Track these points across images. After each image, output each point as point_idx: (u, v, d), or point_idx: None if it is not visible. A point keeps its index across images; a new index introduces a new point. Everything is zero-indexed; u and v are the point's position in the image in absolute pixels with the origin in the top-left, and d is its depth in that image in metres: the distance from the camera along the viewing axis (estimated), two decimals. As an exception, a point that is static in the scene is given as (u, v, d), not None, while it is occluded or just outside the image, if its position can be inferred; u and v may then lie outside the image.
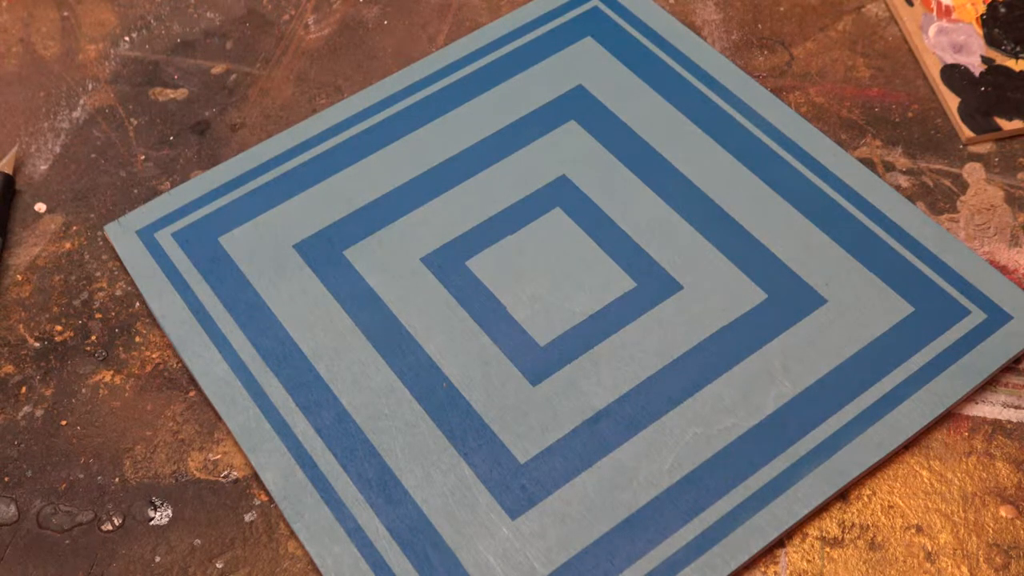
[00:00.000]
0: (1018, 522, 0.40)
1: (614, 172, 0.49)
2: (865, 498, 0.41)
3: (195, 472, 0.43)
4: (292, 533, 0.41)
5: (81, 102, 0.55)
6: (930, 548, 0.40)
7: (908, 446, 0.42)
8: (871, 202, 0.48)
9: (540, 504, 0.40)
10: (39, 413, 0.44)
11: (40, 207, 0.51)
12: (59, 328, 0.47)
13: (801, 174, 0.49)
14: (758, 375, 0.43)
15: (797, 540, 0.40)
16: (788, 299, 0.45)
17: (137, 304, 0.47)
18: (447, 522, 0.40)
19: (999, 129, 0.50)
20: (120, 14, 0.59)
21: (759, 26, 0.56)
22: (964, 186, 0.49)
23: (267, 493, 0.42)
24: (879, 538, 0.40)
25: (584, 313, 0.45)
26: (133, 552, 0.41)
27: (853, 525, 0.40)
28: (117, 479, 0.43)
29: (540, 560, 0.39)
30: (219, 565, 0.40)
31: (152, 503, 0.42)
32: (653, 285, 0.46)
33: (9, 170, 0.51)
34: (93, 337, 0.46)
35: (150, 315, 0.47)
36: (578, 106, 0.52)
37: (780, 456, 0.41)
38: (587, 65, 0.53)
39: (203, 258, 0.48)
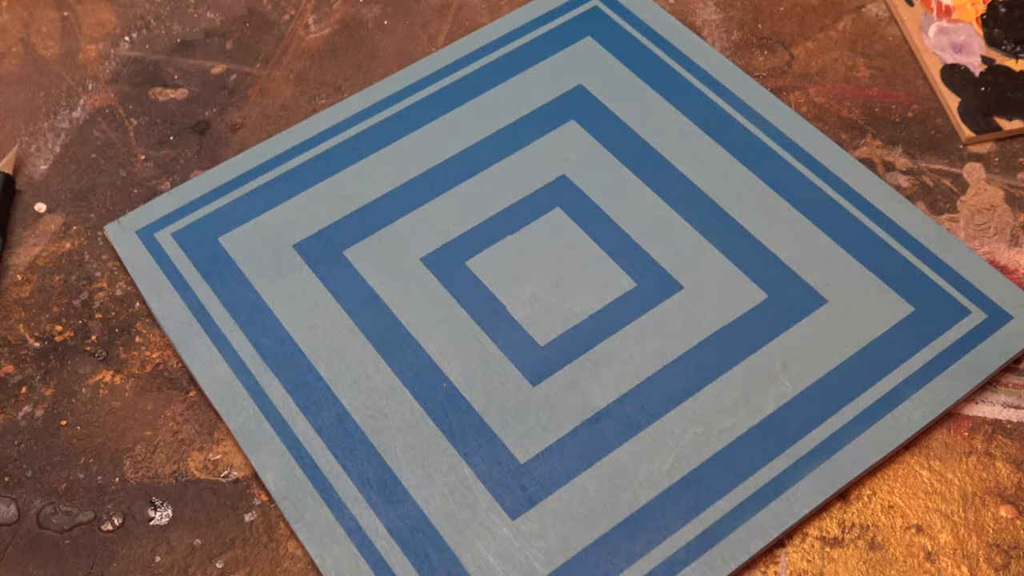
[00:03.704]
0: (1018, 522, 0.40)
1: (614, 172, 0.49)
2: (865, 498, 0.41)
3: (195, 472, 0.43)
4: (292, 533, 0.41)
5: (81, 102, 0.55)
6: (930, 548, 0.40)
7: (908, 446, 0.42)
8: (871, 202, 0.48)
9: (540, 504, 0.40)
10: (39, 413, 0.44)
11: (40, 207, 0.51)
12: (59, 328, 0.47)
13: (801, 174, 0.49)
14: (758, 375, 0.43)
15: (797, 540, 0.40)
16: (788, 299, 0.45)
17: (137, 304, 0.47)
18: (447, 522, 0.40)
19: (999, 129, 0.50)
20: (120, 14, 0.59)
21: (759, 26, 0.56)
22: (964, 186, 0.49)
23: (267, 493, 0.42)
24: (879, 538, 0.40)
25: (584, 313, 0.45)
26: (133, 552, 0.41)
27: (853, 525, 0.40)
28: (117, 479, 0.43)
29: (540, 560, 0.39)
30: (219, 565, 0.40)
31: (152, 503, 0.42)
32: (653, 285, 0.46)
33: (9, 170, 0.51)
34: (93, 337, 0.46)
35: (150, 315, 0.47)
36: (578, 106, 0.52)
37: (780, 456, 0.41)
38: (587, 65, 0.53)
39: (203, 258, 0.48)
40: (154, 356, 0.46)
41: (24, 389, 0.45)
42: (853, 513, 0.41)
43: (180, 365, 0.45)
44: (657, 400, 0.42)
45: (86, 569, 0.41)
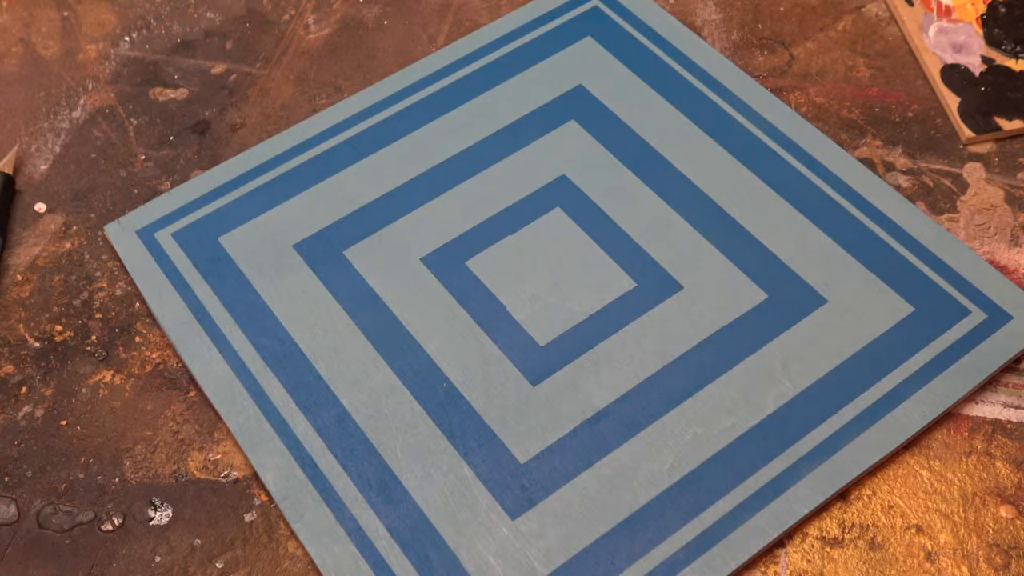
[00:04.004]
0: (1018, 522, 0.40)
1: (614, 172, 0.49)
2: (865, 498, 0.41)
3: (195, 472, 0.43)
4: (292, 533, 0.41)
5: (81, 102, 0.55)
6: (930, 548, 0.40)
7: (908, 446, 0.42)
8: (871, 202, 0.48)
9: (540, 504, 0.40)
10: (39, 413, 0.44)
11: (40, 207, 0.51)
12: (59, 328, 0.47)
13: (801, 174, 0.49)
14: (758, 375, 0.43)
15: (797, 540, 0.40)
16: (788, 299, 0.45)
17: (137, 304, 0.47)
18: (447, 522, 0.40)
19: (999, 129, 0.50)
20: (120, 14, 0.59)
21: (759, 26, 0.56)
22: (964, 186, 0.49)
23: (267, 493, 0.42)
24: (879, 538, 0.40)
25: (584, 313, 0.45)
26: (133, 552, 0.41)
27: (853, 525, 0.40)
28: (117, 479, 0.43)
29: (540, 560, 0.39)
30: (219, 565, 0.40)
31: (152, 503, 0.42)
32: (653, 285, 0.46)
33: (9, 170, 0.51)
34: (93, 337, 0.46)
35: (150, 315, 0.47)
36: (578, 106, 0.52)
37: (780, 456, 0.41)
38: (587, 65, 0.53)
39: (203, 258, 0.48)
40: (154, 356, 0.46)
41: (24, 389, 0.45)
42: (853, 513, 0.41)
43: (180, 365, 0.45)
44: (657, 400, 0.42)
45: (86, 569, 0.41)
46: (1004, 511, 0.40)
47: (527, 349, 0.44)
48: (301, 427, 0.42)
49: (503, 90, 0.53)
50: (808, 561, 0.40)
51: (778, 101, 0.51)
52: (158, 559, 0.41)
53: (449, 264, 0.47)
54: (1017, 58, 0.53)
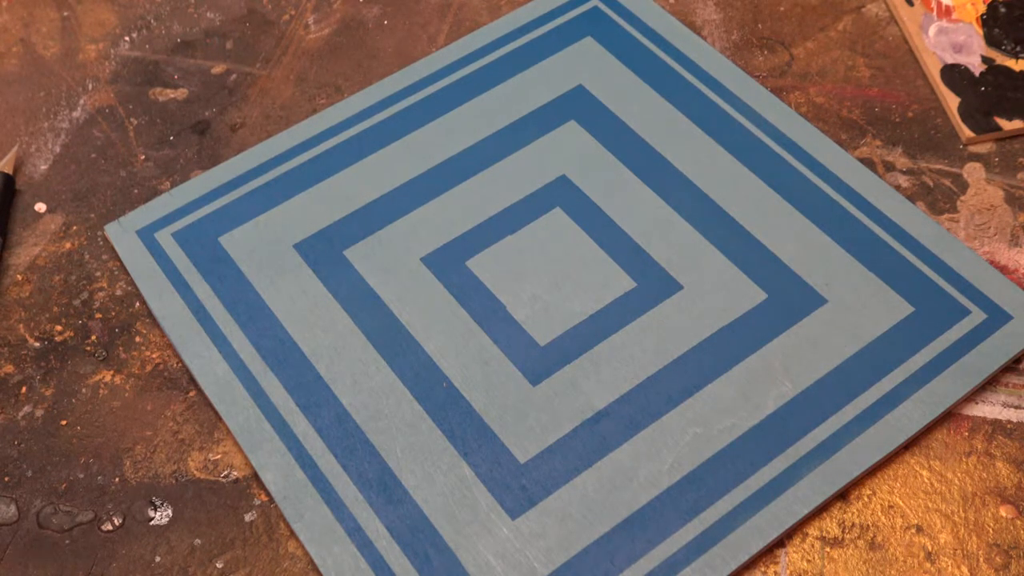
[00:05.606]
0: (1018, 522, 0.40)
1: (614, 172, 0.49)
2: (865, 498, 0.41)
3: (195, 472, 0.43)
4: (292, 533, 0.41)
5: (81, 102, 0.55)
6: (930, 548, 0.40)
7: (908, 446, 0.42)
8: (871, 202, 0.48)
9: (540, 504, 0.40)
10: (39, 413, 0.44)
11: (40, 207, 0.51)
12: (59, 328, 0.47)
13: (801, 174, 0.49)
14: (758, 375, 0.43)
15: (797, 540, 0.40)
16: (788, 299, 0.45)
17: (137, 304, 0.47)
18: (447, 522, 0.40)
19: (999, 129, 0.50)
20: (120, 14, 0.59)
21: (759, 26, 0.56)
22: (964, 186, 0.49)
23: (267, 493, 0.42)
24: (879, 538, 0.40)
25: (584, 313, 0.45)
26: (133, 552, 0.41)
27: (853, 525, 0.40)
28: (117, 479, 0.43)
29: (540, 560, 0.39)
30: (219, 565, 0.40)
31: (152, 503, 0.42)
32: (653, 285, 0.46)
33: (9, 170, 0.51)
34: (93, 337, 0.46)
35: (150, 315, 0.47)
36: (578, 106, 0.52)
37: (780, 456, 0.41)
38: (587, 65, 0.53)
39: (203, 258, 0.48)
40: (154, 356, 0.46)
41: (24, 389, 0.45)
42: (853, 513, 0.41)
43: (180, 365, 0.45)
44: (657, 400, 0.42)
45: (86, 569, 0.41)
46: (1004, 511, 0.40)
47: (527, 349, 0.44)
48: (301, 427, 0.42)
49: (503, 90, 0.53)
50: (808, 561, 0.40)
51: (778, 101, 0.51)
52: (158, 559, 0.41)
53: (449, 264, 0.47)
54: (1017, 58, 0.53)
